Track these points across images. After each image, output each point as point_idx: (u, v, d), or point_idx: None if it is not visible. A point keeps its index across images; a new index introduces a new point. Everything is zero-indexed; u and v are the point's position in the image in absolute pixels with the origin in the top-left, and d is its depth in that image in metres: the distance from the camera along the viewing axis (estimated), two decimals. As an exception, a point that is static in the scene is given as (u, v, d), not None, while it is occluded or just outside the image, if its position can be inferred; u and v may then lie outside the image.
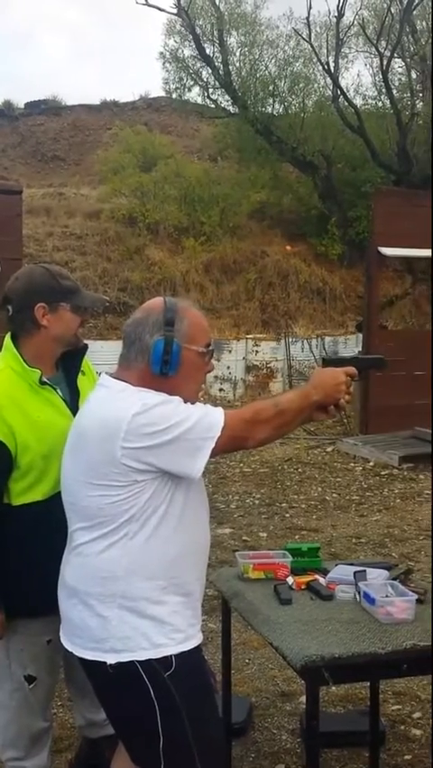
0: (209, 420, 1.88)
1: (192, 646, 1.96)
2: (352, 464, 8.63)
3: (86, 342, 2.57)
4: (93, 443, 1.90)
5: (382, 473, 8.17)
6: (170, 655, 1.90)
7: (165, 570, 1.92)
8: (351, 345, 13.66)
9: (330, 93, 18.53)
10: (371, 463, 8.57)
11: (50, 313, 2.35)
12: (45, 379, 2.34)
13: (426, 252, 11.10)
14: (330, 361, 2.17)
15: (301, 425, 2.19)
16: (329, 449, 9.41)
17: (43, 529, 2.23)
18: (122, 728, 2.03)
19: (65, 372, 2.48)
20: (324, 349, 13.74)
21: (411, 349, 10.00)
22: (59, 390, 2.39)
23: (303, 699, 3.13)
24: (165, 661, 1.90)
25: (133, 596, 1.90)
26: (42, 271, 2.41)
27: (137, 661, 1.88)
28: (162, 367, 1.92)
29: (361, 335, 11.14)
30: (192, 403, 1.93)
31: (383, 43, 17.56)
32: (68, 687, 2.73)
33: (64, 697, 3.30)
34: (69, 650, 2.00)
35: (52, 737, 2.59)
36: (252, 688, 3.64)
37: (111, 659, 1.89)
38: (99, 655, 1.91)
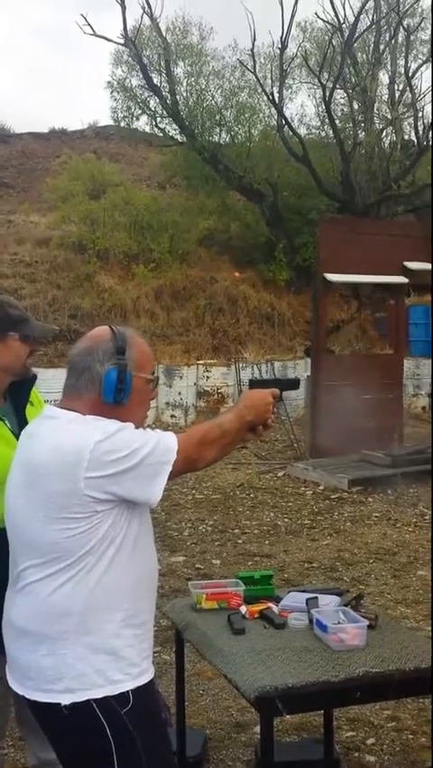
0: (165, 444, 1.88)
1: (147, 680, 1.93)
2: (303, 488, 8.68)
3: (35, 370, 2.55)
4: (50, 475, 1.85)
5: (332, 497, 8.23)
6: (127, 691, 1.86)
7: (121, 601, 1.89)
8: (300, 369, 13.77)
9: (275, 123, 18.90)
10: (321, 487, 8.63)
11: (-2, 343, 2.33)
12: (-7, 412, 2.31)
13: (369, 278, 11.37)
14: (256, 383, 2.31)
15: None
16: (280, 474, 9.45)
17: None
18: None
19: (13, 403, 2.46)
20: (274, 374, 13.80)
21: (358, 373, 10.15)
22: (7, 422, 2.36)
23: (258, 729, 3.10)
24: (122, 697, 1.85)
25: (89, 630, 1.85)
26: (-10, 302, 2.39)
27: (93, 699, 1.83)
28: (116, 395, 1.91)
29: (309, 360, 11.26)
30: (143, 429, 1.93)
31: (326, 75, 17.98)
32: (19, 726, 2.67)
33: (15, 736, 3.22)
34: (20, 693, 1.93)
35: (3, 779, 2.53)
36: (206, 719, 3.60)
37: (66, 699, 1.83)
38: (53, 696, 1.84)
